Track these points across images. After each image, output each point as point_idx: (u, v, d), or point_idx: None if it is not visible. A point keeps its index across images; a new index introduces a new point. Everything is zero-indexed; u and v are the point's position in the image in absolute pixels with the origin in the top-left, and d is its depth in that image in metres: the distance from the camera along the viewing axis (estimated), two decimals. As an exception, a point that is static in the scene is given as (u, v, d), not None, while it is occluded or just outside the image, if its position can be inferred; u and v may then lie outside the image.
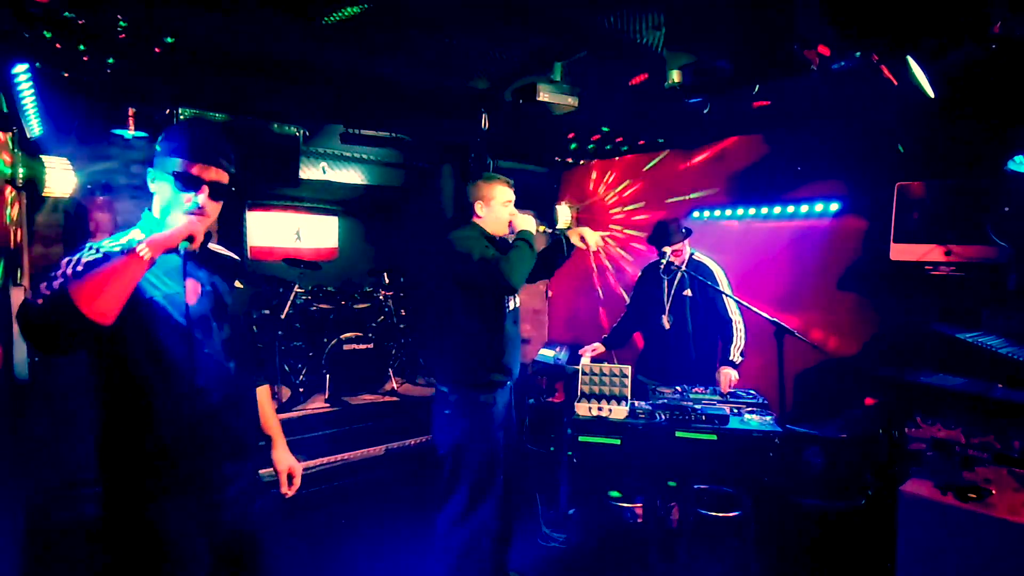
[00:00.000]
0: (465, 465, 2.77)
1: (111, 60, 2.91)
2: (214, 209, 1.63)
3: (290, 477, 1.99)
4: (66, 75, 3.01)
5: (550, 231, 5.70)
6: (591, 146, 5.22)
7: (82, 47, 2.72)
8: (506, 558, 3.05)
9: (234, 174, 1.67)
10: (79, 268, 1.41)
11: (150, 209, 1.66)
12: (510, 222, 2.83)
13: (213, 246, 1.80)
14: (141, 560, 1.56)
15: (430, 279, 5.24)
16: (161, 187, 1.61)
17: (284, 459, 1.99)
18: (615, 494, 3.72)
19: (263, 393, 2.01)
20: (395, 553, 3.47)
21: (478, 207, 2.84)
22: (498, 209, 2.82)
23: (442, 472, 2.84)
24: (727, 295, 3.52)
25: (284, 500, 1.99)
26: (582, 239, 2.93)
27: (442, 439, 2.84)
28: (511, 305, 2.86)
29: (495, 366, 2.79)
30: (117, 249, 1.41)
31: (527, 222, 2.79)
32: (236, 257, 1.91)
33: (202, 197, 1.58)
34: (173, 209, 1.59)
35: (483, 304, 2.77)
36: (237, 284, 1.84)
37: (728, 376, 3.35)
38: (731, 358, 3.45)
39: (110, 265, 1.36)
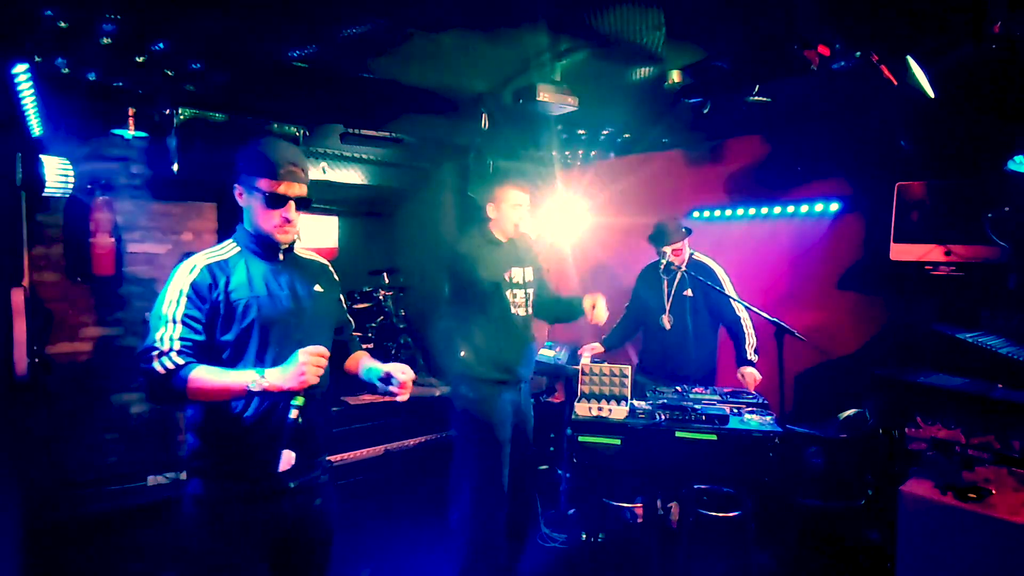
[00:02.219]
0: (465, 462, 2.86)
1: (111, 60, 2.91)
2: (297, 218, 1.82)
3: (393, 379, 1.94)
4: (66, 74, 3.01)
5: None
6: (591, 147, 5.21)
7: (82, 47, 2.72)
8: (517, 556, 3.07)
9: (310, 184, 1.83)
10: (186, 356, 1.63)
11: (242, 223, 1.84)
12: (516, 224, 2.94)
13: (299, 250, 1.93)
14: (201, 537, 1.73)
15: (433, 276, 5.27)
16: (251, 202, 1.79)
17: (383, 367, 1.98)
18: (615, 494, 3.72)
19: (360, 354, 2.12)
20: (395, 553, 3.47)
21: (489, 209, 2.96)
22: (507, 211, 2.93)
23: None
24: (730, 296, 3.51)
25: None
26: (594, 306, 2.92)
27: (452, 433, 2.99)
28: (522, 312, 2.95)
29: (493, 363, 2.84)
30: (241, 383, 1.62)
31: (531, 226, 2.95)
32: (323, 261, 2.02)
33: (289, 212, 1.77)
34: (263, 224, 1.78)
35: (480, 300, 2.83)
36: (317, 288, 1.91)
37: (752, 376, 3.37)
38: (748, 358, 3.46)
39: (227, 389, 1.63)
